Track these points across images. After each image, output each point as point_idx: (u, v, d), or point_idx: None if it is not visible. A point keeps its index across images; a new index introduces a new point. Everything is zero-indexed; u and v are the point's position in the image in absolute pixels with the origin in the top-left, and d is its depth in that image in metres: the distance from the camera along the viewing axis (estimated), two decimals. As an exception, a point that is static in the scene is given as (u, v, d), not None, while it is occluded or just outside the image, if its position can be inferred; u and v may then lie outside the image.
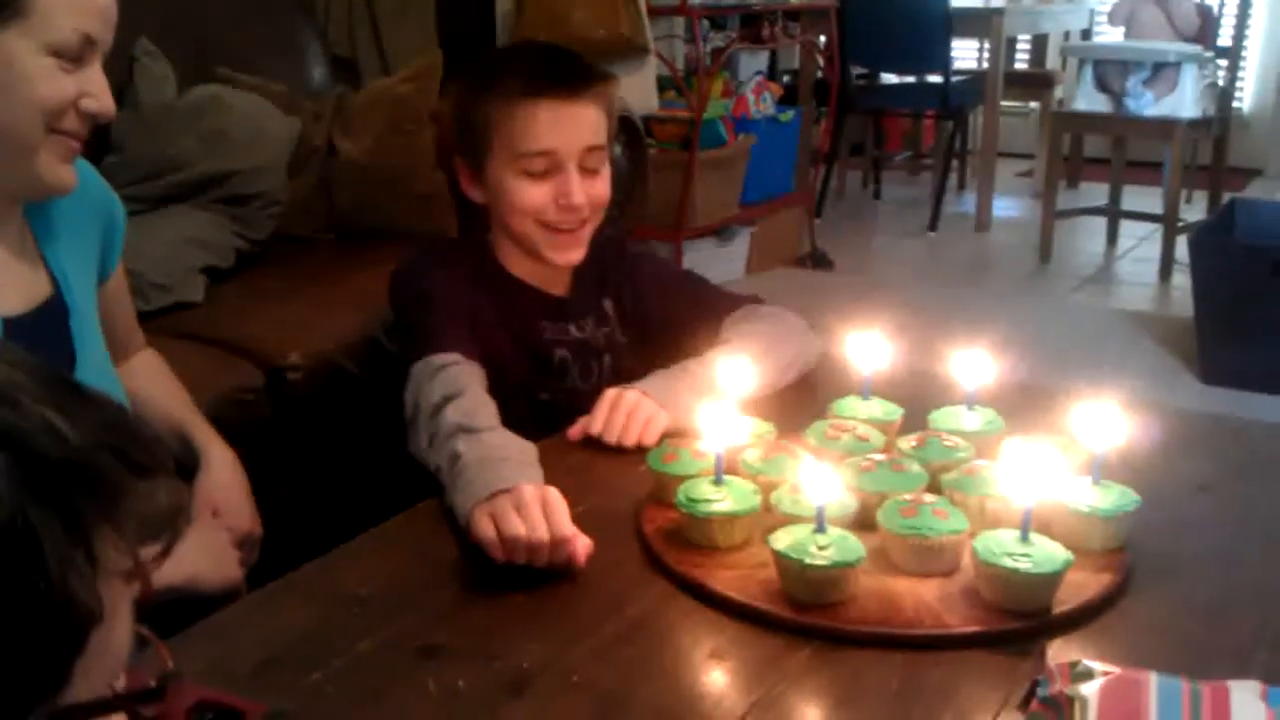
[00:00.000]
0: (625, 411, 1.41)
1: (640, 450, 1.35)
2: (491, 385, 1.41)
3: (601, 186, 1.54)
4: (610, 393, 1.44)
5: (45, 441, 0.51)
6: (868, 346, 1.40)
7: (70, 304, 1.30)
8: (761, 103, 4.43)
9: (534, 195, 1.51)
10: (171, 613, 1.10)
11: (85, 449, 0.53)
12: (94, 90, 1.21)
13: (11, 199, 1.26)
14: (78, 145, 1.23)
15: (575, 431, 1.44)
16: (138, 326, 1.56)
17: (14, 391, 0.52)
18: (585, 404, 1.46)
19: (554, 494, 1.16)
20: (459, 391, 1.35)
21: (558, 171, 1.50)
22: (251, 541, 1.45)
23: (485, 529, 1.12)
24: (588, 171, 1.52)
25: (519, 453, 1.26)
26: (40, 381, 0.54)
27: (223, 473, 1.46)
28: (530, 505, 1.12)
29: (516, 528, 1.11)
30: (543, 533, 1.11)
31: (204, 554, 1.34)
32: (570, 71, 1.53)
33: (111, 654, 0.55)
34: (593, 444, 1.43)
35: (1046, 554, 1.05)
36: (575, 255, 1.56)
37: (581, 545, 1.13)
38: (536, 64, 1.54)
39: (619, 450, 1.40)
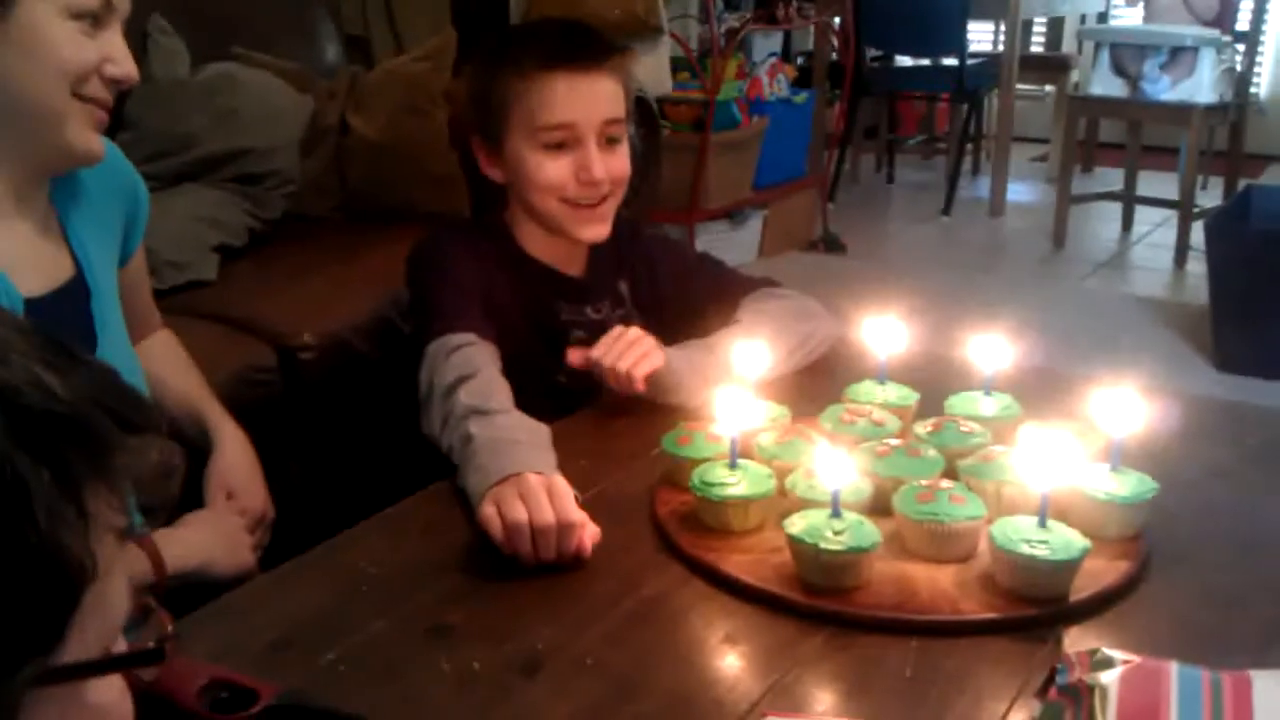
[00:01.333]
0: (627, 341, 1.42)
1: (654, 432, 1.34)
2: (507, 366, 1.40)
3: (621, 161, 1.54)
4: (617, 327, 1.46)
5: (34, 395, 0.51)
6: (883, 331, 1.40)
7: (92, 285, 1.30)
8: (775, 85, 4.41)
9: (554, 170, 1.50)
10: (184, 597, 1.10)
11: (75, 404, 0.53)
12: (116, 55, 1.20)
13: (40, 172, 1.25)
14: (104, 114, 1.23)
15: (576, 357, 1.45)
16: (155, 307, 1.56)
17: (3, 348, 0.52)
18: (601, 385, 1.46)
19: (560, 481, 1.15)
20: (473, 373, 1.34)
21: (577, 145, 1.49)
22: (264, 523, 1.45)
23: (489, 517, 1.12)
24: (607, 145, 1.51)
25: (531, 435, 1.25)
26: (31, 341, 0.54)
27: (235, 454, 1.46)
28: (535, 491, 1.12)
29: (519, 513, 1.10)
30: (548, 516, 1.10)
31: (217, 539, 1.34)
32: (587, 44, 1.52)
33: (108, 614, 0.55)
34: (606, 426, 1.43)
35: (1064, 541, 1.04)
36: (600, 231, 1.55)
37: (588, 534, 1.13)
38: (553, 38, 1.54)
39: (633, 432, 1.39)
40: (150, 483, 0.57)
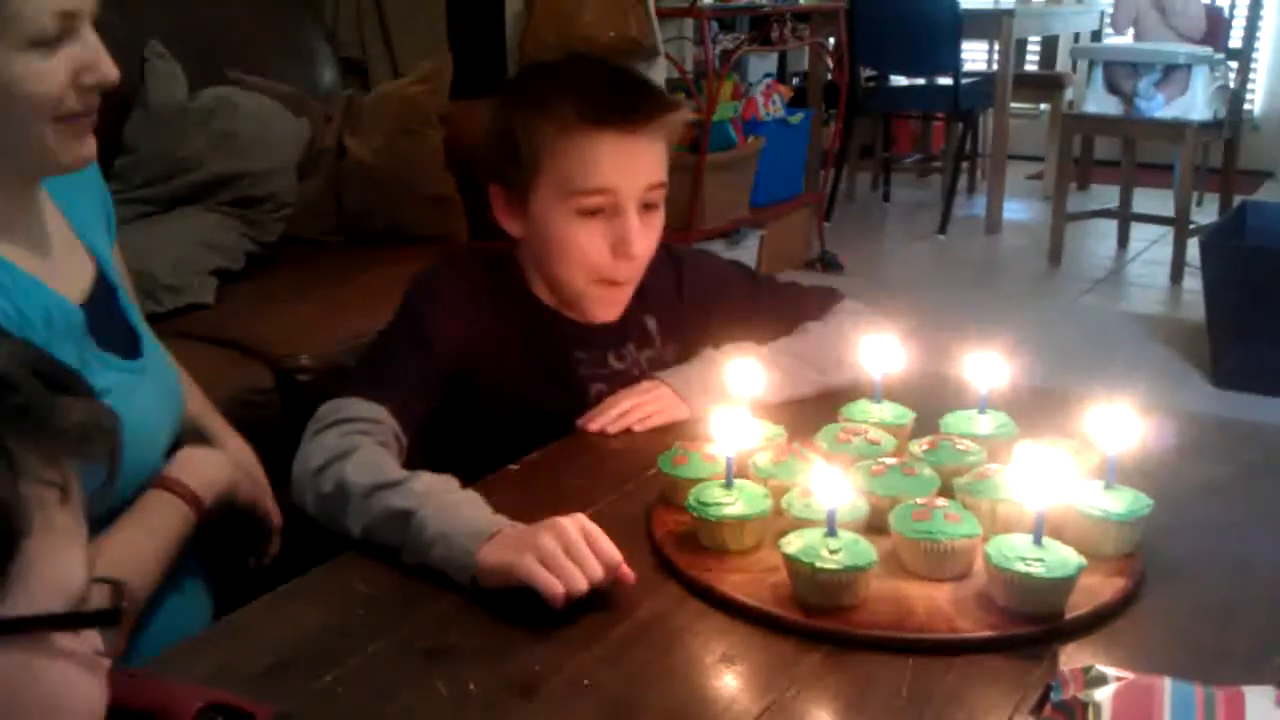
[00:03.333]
0: (620, 410, 1.41)
1: (650, 453, 1.34)
2: (520, 419, 1.37)
3: (656, 231, 1.41)
4: (642, 385, 1.44)
5: None
6: (879, 350, 1.40)
7: (113, 281, 1.27)
8: (771, 105, 4.42)
9: (586, 240, 1.36)
10: (215, 538, 1.13)
11: None
12: (89, 61, 1.14)
13: (33, 180, 1.21)
14: (87, 121, 1.17)
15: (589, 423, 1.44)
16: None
17: None
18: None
19: (590, 524, 1.09)
20: (350, 449, 1.23)
21: (615, 214, 1.36)
22: (273, 531, 1.45)
23: (553, 588, 1.03)
24: (644, 211, 1.38)
25: (459, 488, 1.18)
26: None
27: (241, 465, 1.46)
28: (577, 544, 1.06)
29: (580, 582, 1.03)
30: (599, 572, 1.06)
31: (236, 465, 1.36)
32: (638, 99, 1.36)
33: (52, 572, 0.57)
34: (602, 446, 1.43)
35: (1059, 558, 1.04)
36: (613, 313, 1.45)
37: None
38: (599, 87, 1.36)
39: (629, 452, 1.39)
40: (82, 440, 0.59)
